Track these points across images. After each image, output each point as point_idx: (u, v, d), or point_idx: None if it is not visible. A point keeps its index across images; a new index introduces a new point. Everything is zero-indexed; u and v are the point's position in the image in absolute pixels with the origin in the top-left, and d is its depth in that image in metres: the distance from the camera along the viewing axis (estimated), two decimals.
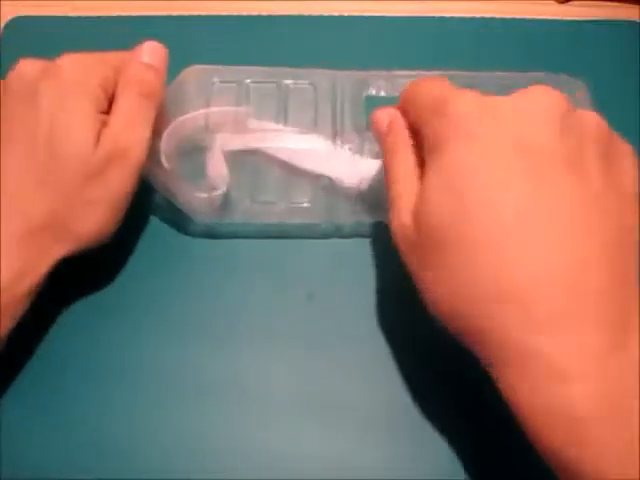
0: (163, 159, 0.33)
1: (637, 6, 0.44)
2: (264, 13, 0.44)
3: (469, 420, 0.31)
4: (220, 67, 0.37)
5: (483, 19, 0.44)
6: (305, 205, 0.34)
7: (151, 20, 0.44)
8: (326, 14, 0.44)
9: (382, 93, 0.36)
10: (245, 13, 0.44)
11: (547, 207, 0.23)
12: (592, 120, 0.25)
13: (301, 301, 0.34)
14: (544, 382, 0.22)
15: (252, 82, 0.36)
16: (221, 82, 0.36)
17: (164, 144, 0.33)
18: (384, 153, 0.30)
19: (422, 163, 0.28)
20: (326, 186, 0.34)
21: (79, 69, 0.30)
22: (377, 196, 0.34)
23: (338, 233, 0.35)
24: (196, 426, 0.31)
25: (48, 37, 0.43)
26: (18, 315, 0.29)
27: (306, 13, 0.44)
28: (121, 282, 0.34)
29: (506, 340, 0.22)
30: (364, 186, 0.34)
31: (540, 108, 0.24)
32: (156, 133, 0.32)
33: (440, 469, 0.30)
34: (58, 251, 0.30)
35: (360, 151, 0.34)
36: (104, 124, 0.30)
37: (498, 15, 0.44)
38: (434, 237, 0.24)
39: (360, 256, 0.35)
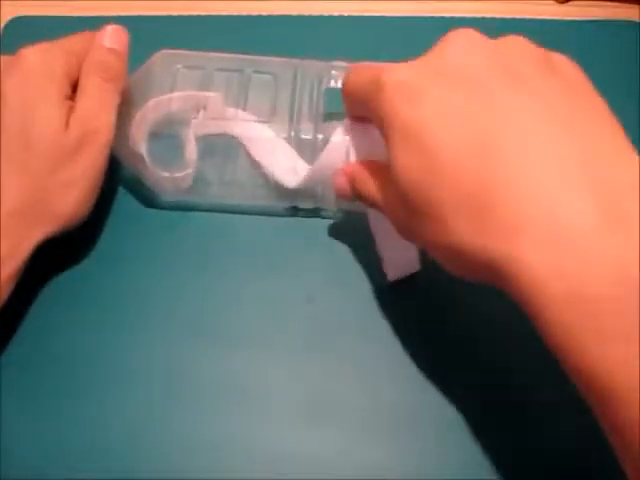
0: (132, 141, 0.34)
1: (637, 6, 0.44)
2: (264, 13, 0.44)
3: (470, 420, 0.31)
4: (188, 52, 0.37)
5: (483, 19, 0.44)
6: (266, 189, 0.35)
7: (151, 20, 0.44)
8: (326, 14, 0.44)
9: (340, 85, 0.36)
10: (245, 13, 0.44)
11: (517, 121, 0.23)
12: (521, 40, 0.26)
13: (300, 302, 0.34)
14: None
15: (216, 70, 0.37)
16: (185, 68, 0.37)
17: (135, 126, 0.34)
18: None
19: None
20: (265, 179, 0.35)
21: (42, 58, 0.32)
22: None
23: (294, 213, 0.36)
24: (195, 426, 0.31)
25: (48, 37, 0.42)
26: (2, 300, 0.30)
27: (306, 13, 0.44)
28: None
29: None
30: (298, 185, 0.34)
31: (462, 50, 0.25)
32: (122, 114, 0.34)
33: (441, 469, 0.30)
34: (38, 233, 0.31)
35: (314, 141, 0.35)
36: (71, 109, 0.32)
37: (498, 15, 0.44)
38: (413, 198, 0.25)
39: (358, 255, 0.35)
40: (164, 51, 0.37)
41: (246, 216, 0.36)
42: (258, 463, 0.30)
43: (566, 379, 0.26)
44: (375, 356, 0.33)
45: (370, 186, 0.29)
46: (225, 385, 0.32)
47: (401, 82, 0.25)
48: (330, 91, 0.36)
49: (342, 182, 0.30)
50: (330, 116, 0.35)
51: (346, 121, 0.30)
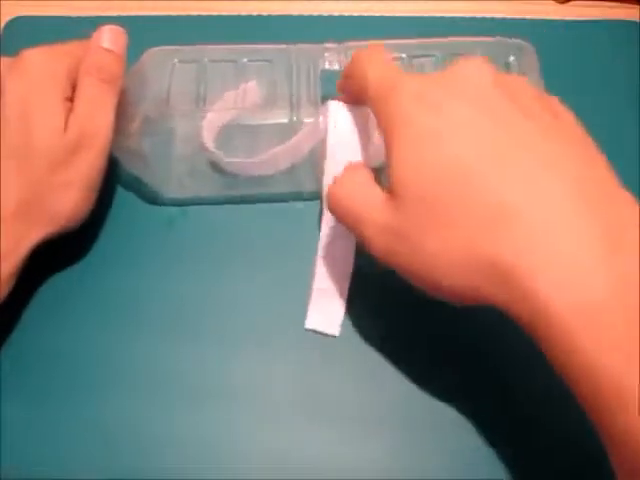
0: (208, 143, 0.35)
1: (637, 6, 0.44)
2: (264, 13, 0.44)
3: (470, 420, 0.31)
4: (179, 47, 0.37)
5: (483, 19, 0.44)
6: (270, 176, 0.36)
7: (151, 20, 0.44)
8: (326, 14, 0.44)
9: (336, 67, 0.36)
10: (245, 13, 0.44)
11: (517, 145, 0.24)
12: (521, 80, 0.28)
13: (301, 301, 0.34)
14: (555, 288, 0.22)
15: (210, 61, 0.36)
16: (180, 62, 0.36)
17: (206, 129, 0.35)
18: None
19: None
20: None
21: (44, 60, 0.32)
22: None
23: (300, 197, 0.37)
24: (195, 426, 0.31)
25: (48, 37, 0.42)
26: (1, 299, 0.30)
27: (306, 13, 0.44)
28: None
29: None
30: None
31: (472, 76, 0.26)
32: (120, 114, 0.34)
33: (440, 469, 0.30)
34: (37, 234, 0.31)
35: (314, 122, 0.34)
36: (70, 110, 0.32)
37: (498, 15, 0.44)
38: (429, 208, 0.25)
39: (358, 255, 0.35)
40: (154, 49, 0.36)
41: (245, 214, 0.36)
42: (258, 463, 0.30)
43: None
44: (376, 356, 0.32)
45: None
46: (224, 384, 0.32)
47: (418, 92, 0.26)
48: (325, 73, 0.36)
49: None
50: (328, 98, 0.35)
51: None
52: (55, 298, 0.34)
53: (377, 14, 0.44)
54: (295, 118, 0.34)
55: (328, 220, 0.33)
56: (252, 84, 0.36)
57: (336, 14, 0.44)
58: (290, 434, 0.31)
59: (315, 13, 0.44)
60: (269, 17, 0.44)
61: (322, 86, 0.35)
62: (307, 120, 0.34)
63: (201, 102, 0.35)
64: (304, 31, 0.43)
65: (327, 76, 0.36)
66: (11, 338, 0.33)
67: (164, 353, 0.33)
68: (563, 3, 0.45)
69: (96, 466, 0.30)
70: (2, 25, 0.44)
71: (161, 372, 0.32)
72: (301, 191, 0.37)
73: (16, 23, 0.44)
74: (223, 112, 0.35)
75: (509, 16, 0.44)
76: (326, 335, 0.33)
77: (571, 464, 0.30)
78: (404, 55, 0.36)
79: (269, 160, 0.35)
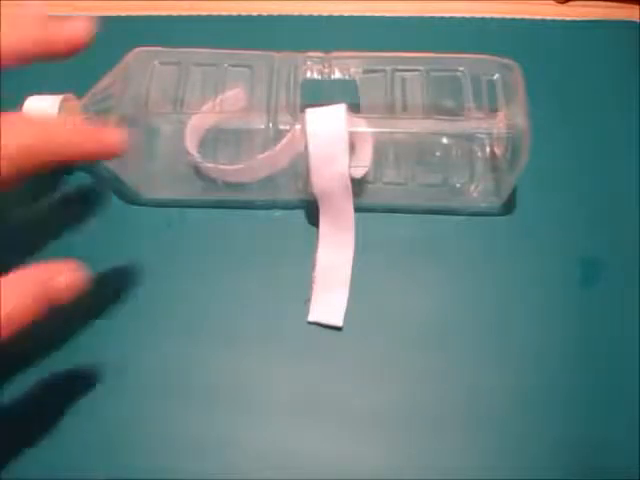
0: (190, 147, 0.35)
1: (637, 6, 0.44)
2: (264, 13, 0.44)
3: (470, 420, 0.31)
4: (163, 49, 0.37)
5: (483, 19, 0.44)
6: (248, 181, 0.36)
7: (151, 20, 0.44)
8: (326, 14, 0.44)
9: (318, 76, 0.36)
10: (244, 13, 0.44)
11: None
12: None
13: (299, 300, 0.34)
14: None
15: (192, 65, 0.36)
16: (161, 64, 0.36)
17: (189, 136, 0.35)
18: None
19: None
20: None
21: None
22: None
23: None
24: (194, 426, 0.31)
25: None
26: None
27: (306, 13, 0.44)
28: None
29: None
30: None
31: None
32: (103, 113, 0.33)
33: (441, 469, 0.30)
34: None
35: (293, 131, 0.34)
36: None
37: (498, 15, 0.44)
38: None
39: (357, 255, 0.35)
40: (138, 49, 0.36)
41: (240, 214, 0.36)
42: (257, 463, 0.30)
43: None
44: (375, 355, 0.33)
45: None
46: (224, 385, 0.32)
47: None
48: (306, 82, 0.36)
49: None
50: (307, 107, 0.35)
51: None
52: None
53: (377, 14, 0.44)
54: (271, 125, 0.34)
55: (326, 214, 0.33)
56: (239, 90, 0.36)
57: (336, 14, 0.44)
58: (290, 434, 0.31)
59: (315, 13, 0.44)
60: (269, 17, 0.44)
61: (303, 95, 0.35)
62: (283, 127, 0.34)
63: (179, 104, 0.35)
64: (305, 31, 0.43)
65: (309, 85, 0.36)
66: (9, 340, 0.33)
67: (164, 353, 0.33)
68: (563, 3, 0.45)
69: (96, 465, 0.30)
70: None
71: (160, 372, 0.32)
72: (280, 199, 0.36)
73: None
74: (206, 116, 0.35)
75: (509, 16, 0.44)
76: (330, 327, 0.33)
77: (572, 464, 0.30)
78: (387, 69, 0.36)
79: (248, 168, 0.35)
